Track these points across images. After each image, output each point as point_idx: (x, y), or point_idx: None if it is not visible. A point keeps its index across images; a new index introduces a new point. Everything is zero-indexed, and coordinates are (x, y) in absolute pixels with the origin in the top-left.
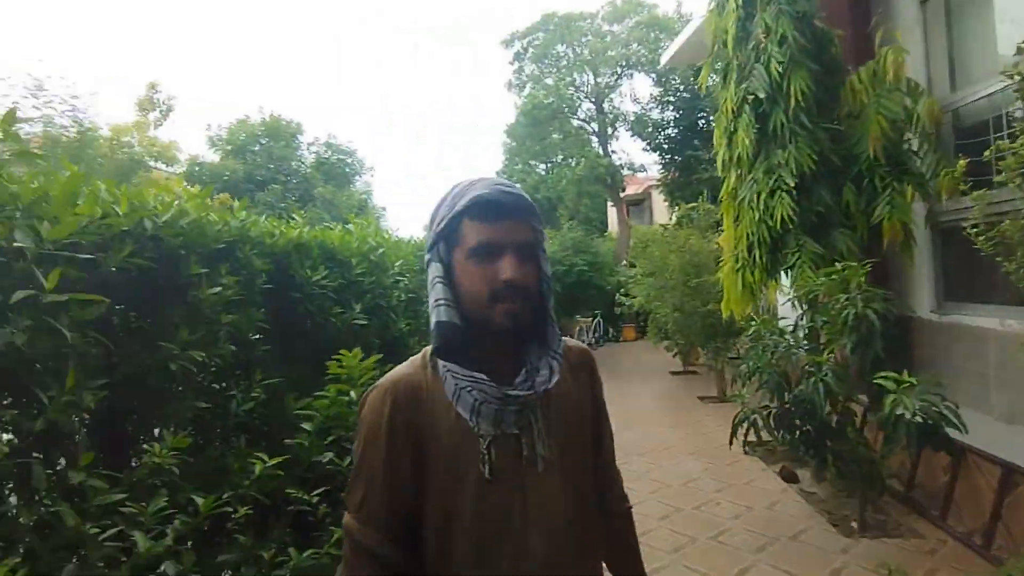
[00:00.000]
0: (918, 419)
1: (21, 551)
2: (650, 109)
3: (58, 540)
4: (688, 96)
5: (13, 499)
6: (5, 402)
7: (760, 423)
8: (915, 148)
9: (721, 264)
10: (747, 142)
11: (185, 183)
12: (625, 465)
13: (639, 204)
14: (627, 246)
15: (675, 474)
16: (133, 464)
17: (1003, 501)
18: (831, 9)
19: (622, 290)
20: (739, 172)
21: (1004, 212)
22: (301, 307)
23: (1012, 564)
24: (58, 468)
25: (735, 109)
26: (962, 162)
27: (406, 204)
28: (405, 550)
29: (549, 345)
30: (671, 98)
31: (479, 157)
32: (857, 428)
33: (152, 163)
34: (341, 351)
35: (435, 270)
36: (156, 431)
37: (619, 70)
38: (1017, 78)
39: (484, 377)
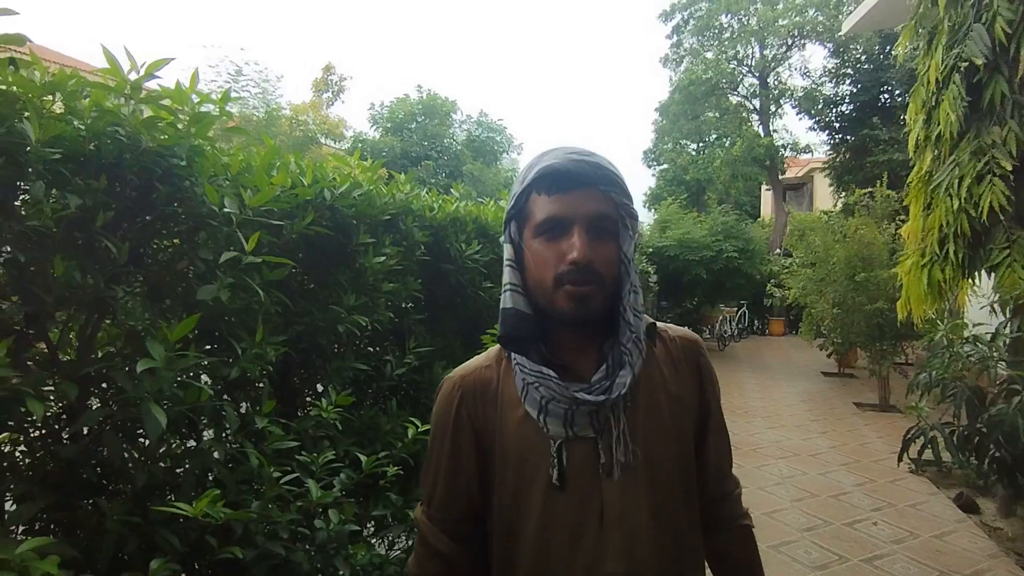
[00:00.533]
0: None
1: (211, 479)
2: (822, 83)
3: (240, 475)
4: (869, 68)
5: (206, 435)
6: (205, 349)
7: (940, 441)
8: None
9: (901, 258)
10: (952, 118)
11: (360, 159)
12: (764, 468)
13: (798, 188)
14: (783, 233)
15: (823, 484)
16: (298, 415)
17: None
18: None
19: (773, 280)
20: (936, 153)
21: None
22: (453, 279)
23: None
24: (243, 413)
25: (940, 79)
26: None
27: None
28: (474, 551)
29: (619, 341)
30: (849, 70)
31: (629, 135)
32: None
33: (323, 140)
34: (497, 324)
35: (507, 252)
36: (318, 387)
37: (790, 40)
38: None
39: (551, 373)
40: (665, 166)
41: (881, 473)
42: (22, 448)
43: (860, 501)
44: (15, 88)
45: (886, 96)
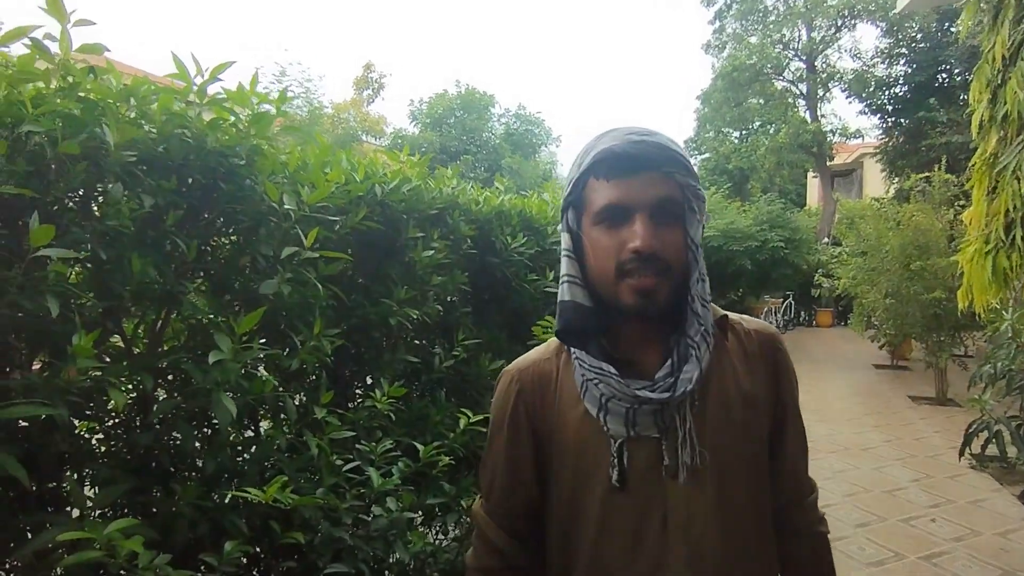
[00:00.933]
0: None
1: (271, 467)
2: (874, 64)
3: (299, 464)
4: (926, 47)
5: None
6: (261, 341)
7: (1007, 436)
8: None
9: (961, 245)
10: (1021, 97)
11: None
12: (814, 462)
13: (847, 175)
14: (831, 222)
15: (876, 479)
16: (350, 407)
17: None
18: None
19: (822, 270)
20: (1003, 134)
21: None
22: (499, 272)
23: None
24: (299, 403)
25: (1007, 56)
26: None
27: None
28: (531, 548)
29: (687, 333)
30: (904, 50)
31: (670, 124)
32: None
33: (364, 137)
34: (546, 316)
35: (564, 241)
36: (367, 380)
37: (839, 21)
38: None
39: (612, 370)
40: (707, 155)
41: (939, 468)
42: (99, 436)
43: (917, 497)
44: (93, 95)
45: (944, 76)
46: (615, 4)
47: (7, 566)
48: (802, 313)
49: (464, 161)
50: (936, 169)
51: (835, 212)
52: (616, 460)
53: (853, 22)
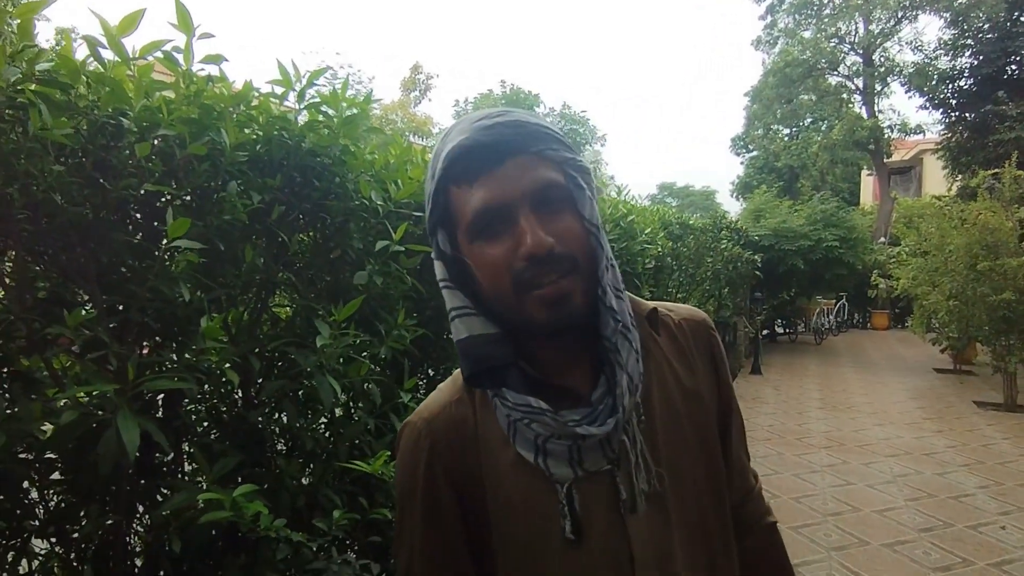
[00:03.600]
0: None
1: (353, 446)
2: (936, 57)
3: (384, 445)
4: (993, 37)
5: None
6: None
7: None
8: None
9: None
10: None
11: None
12: (872, 465)
13: (904, 172)
14: (888, 221)
15: (940, 485)
16: (421, 392)
17: None
18: None
19: (879, 271)
20: None
21: None
22: None
23: None
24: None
25: None
26: None
27: (638, 171)
28: None
29: (606, 336)
30: (969, 41)
31: (719, 122)
32: None
33: (411, 137)
34: None
35: (439, 271)
36: (429, 372)
37: (900, 12)
38: None
39: (543, 405)
40: (755, 153)
41: (1009, 476)
42: (213, 413)
43: (985, 504)
44: (210, 102)
45: (1014, 68)
46: (664, 3)
47: (139, 525)
48: (855, 315)
49: None
50: (1006, 165)
51: (892, 211)
52: (567, 509)
53: (915, 13)
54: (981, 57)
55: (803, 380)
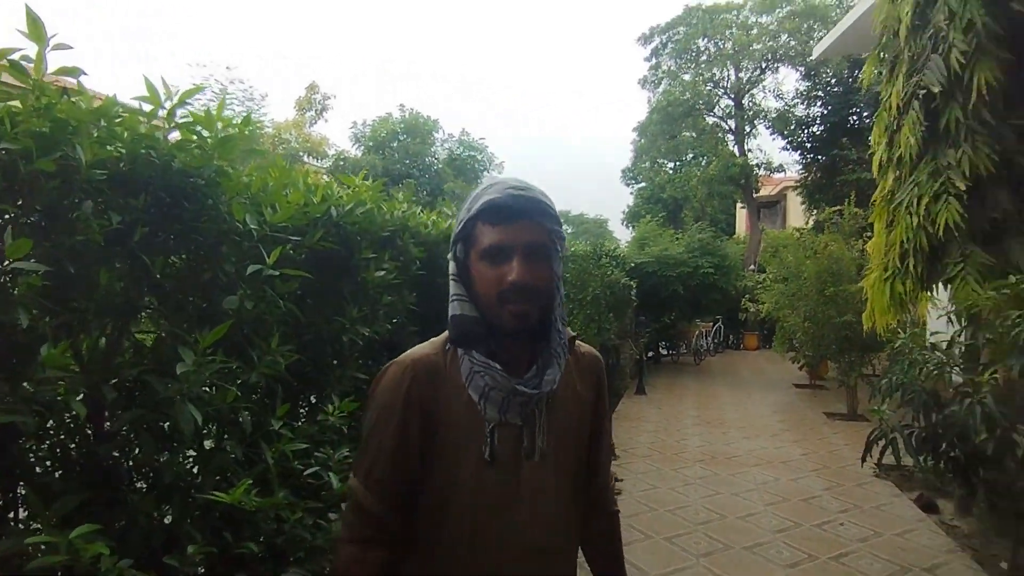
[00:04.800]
0: None
1: (221, 479)
2: (794, 105)
3: (254, 474)
4: (839, 91)
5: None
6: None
7: (900, 443)
8: None
9: (866, 272)
10: (912, 141)
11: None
12: (739, 475)
13: (772, 206)
14: (757, 250)
15: (795, 489)
16: (299, 421)
17: None
18: None
19: (748, 296)
20: (898, 174)
21: None
22: (445, 292)
23: None
24: (253, 416)
25: (901, 105)
26: None
27: None
28: (404, 516)
29: (550, 345)
30: (819, 93)
31: (606, 155)
32: (1020, 460)
33: (305, 158)
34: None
35: (452, 267)
36: (311, 398)
37: (763, 64)
38: None
39: (497, 366)
40: (643, 184)
41: (848, 478)
42: (44, 447)
43: (829, 504)
44: (65, 115)
45: (855, 118)
46: (558, 37)
47: None
48: (731, 336)
49: (407, 185)
50: (847, 203)
51: (761, 241)
52: (489, 440)
53: (776, 65)
54: (829, 107)
55: (682, 399)
